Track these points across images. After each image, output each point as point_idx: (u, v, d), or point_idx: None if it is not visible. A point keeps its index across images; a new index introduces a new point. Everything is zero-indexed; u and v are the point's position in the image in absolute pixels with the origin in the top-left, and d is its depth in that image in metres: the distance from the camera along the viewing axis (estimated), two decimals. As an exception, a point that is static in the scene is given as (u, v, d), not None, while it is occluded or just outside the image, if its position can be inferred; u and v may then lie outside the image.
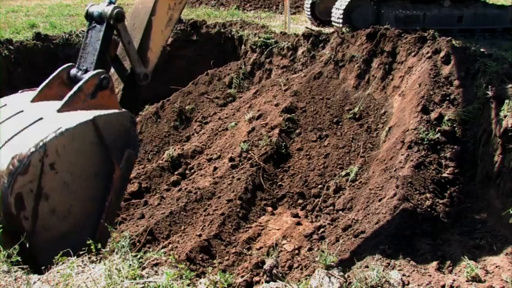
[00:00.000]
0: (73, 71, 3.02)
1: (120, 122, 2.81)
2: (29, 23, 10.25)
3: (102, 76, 2.83)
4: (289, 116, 6.25)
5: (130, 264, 2.60)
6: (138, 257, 2.69)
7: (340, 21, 10.62)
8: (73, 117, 2.61)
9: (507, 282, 2.83)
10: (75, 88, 2.74)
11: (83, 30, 8.88)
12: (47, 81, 3.04)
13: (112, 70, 3.34)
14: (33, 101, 2.97)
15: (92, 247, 2.70)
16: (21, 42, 7.92)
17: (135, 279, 2.48)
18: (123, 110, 2.89)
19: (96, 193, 2.84)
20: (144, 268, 2.67)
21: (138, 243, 4.25)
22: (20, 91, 3.18)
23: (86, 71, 2.93)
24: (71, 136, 2.53)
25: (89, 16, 3.07)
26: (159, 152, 6.60)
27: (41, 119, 2.62)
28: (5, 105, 2.91)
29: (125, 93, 3.26)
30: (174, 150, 6.11)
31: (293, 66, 7.77)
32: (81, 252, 2.60)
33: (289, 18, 10.72)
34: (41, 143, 2.41)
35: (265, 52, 8.09)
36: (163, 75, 8.91)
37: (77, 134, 2.56)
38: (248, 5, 14.89)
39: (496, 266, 3.07)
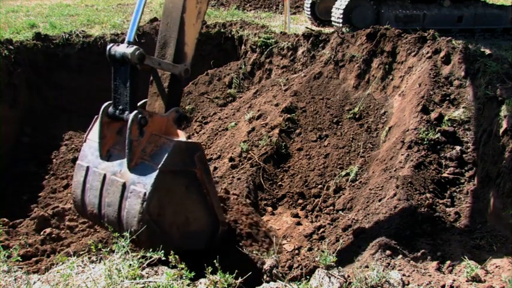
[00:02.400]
0: (111, 110, 3.42)
1: (178, 148, 3.23)
2: (29, 23, 10.26)
3: (139, 117, 3.21)
4: (289, 116, 6.25)
5: (130, 264, 2.60)
6: (139, 257, 2.69)
7: (340, 21, 10.62)
8: (144, 175, 3.15)
9: (507, 282, 2.83)
10: (127, 144, 3.18)
11: (83, 30, 8.89)
12: (98, 130, 3.46)
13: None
14: (102, 157, 3.43)
15: (92, 247, 2.70)
16: (21, 42, 7.92)
17: (135, 279, 2.48)
18: (174, 140, 3.28)
19: (197, 197, 3.45)
20: (144, 268, 2.67)
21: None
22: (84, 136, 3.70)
23: (123, 110, 3.34)
24: (156, 192, 3.10)
25: (111, 57, 3.31)
26: (159, 152, 6.59)
27: (124, 185, 3.19)
28: (87, 167, 3.47)
29: (170, 91, 3.63)
30: (174, 150, 6.09)
31: (293, 66, 7.77)
32: (81, 253, 2.61)
33: (289, 18, 10.72)
34: (142, 218, 3.08)
35: (265, 52, 8.09)
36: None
37: (157, 188, 3.10)
38: (248, 5, 14.90)
39: (496, 266, 3.07)
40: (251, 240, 4.06)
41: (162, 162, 3.12)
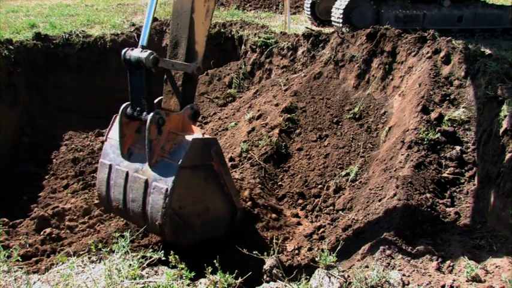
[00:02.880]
0: (129, 111, 3.59)
1: (195, 145, 3.44)
2: (29, 23, 10.26)
3: (157, 117, 3.41)
4: (289, 116, 6.25)
5: (130, 264, 2.60)
6: (139, 257, 2.69)
7: (340, 21, 10.62)
8: (165, 172, 3.37)
9: (507, 282, 2.83)
10: (146, 143, 3.39)
11: (83, 30, 8.89)
12: (118, 130, 3.60)
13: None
14: (123, 155, 3.63)
15: (92, 247, 2.70)
16: (21, 42, 7.92)
17: (135, 279, 2.48)
18: (190, 137, 3.47)
19: (215, 187, 3.71)
20: (144, 268, 2.67)
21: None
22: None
23: (141, 111, 3.52)
24: (177, 187, 3.34)
25: (126, 61, 3.46)
26: (159, 152, 6.59)
27: (147, 182, 3.42)
28: (110, 165, 3.69)
29: (184, 89, 3.79)
30: (174, 150, 6.09)
31: (293, 66, 7.77)
32: (81, 253, 2.61)
33: (289, 18, 10.72)
34: (165, 212, 3.33)
35: (265, 52, 8.09)
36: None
37: (178, 184, 3.33)
38: (248, 5, 14.90)
39: (496, 266, 3.07)
40: (266, 223, 4.39)
41: (181, 160, 3.35)
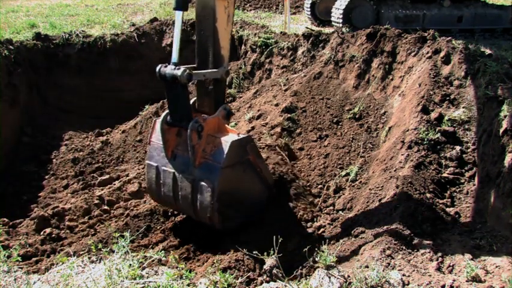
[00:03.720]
0: (169, 119, 4.00)
1: (233, 146, 3.85)
2: (29, 23, 10.26)
3: (197, 126, 3.81)
4: (289, 115, 6.25)
5: (130, 264, 2.60)
6: (138, 257, 2.70)
7: (340, 21, 10.63)
8: (209, 172, 3.85)
9: (507, 282, 2.83)
10: (189, 149, 3.83)
11: (83, 30, 8.89)
12: (159, 135, 4.03)
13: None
14: (168, 158, 4.07)
15: (92, 247, 2.71)
16: (21, 42, 7.92)
17: (135, 279, 2.48)
18: (229, 138, 3.90)
19: (253, 174, 4.23)
20: (144, 268, 2.67)
21: None
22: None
23: (181, 119, 3.93)
24: (221, 184, 3.82)
25: (161, 77, 3.80)
26: (159, 152, 6.60)
27: (194, 181, 3.90)
28: (156, 166, 4.15)
29: (215, 92, 4.14)
30: (174, 150, 6.10)
31: (293, 66, 7.77)
32: (81, 253, 2.61)
33: (289, 18, 10.72)
34: (213, 207, 3.84)
35: (265, 52, 8.09)
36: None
37: (221, 181, 3.82)
38: (248, 5, 14.90)
39: (496, 266, 3.07)
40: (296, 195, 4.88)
41: (222, 161, 3.80)
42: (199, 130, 3.84)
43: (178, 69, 3.67)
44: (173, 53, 3.85)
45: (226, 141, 3.85)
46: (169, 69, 3.72)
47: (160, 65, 3.79)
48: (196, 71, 3.90)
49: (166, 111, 4.02)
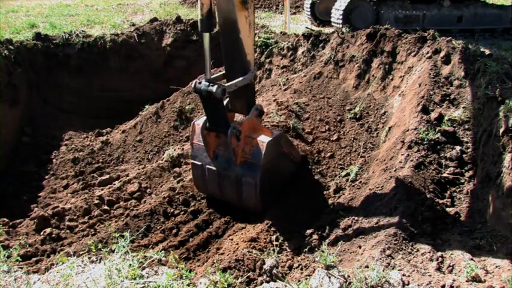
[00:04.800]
0: (207, 125, 4.52)
1: (269, 145, 4.40)
2: (29, 23, 10.27)
3: (235, 131, 4.30)
4: (297, 101, 6.27)
5: (130, 264, 2.60)
6: (138, 257, 2.69)
7: (340, 21, 10.63)
8: (250, 170, 4.43)
9: (507, 282, 2.83)
10: (230, 151, 4.38)
11: (83, 30, 8.89)
12: (200, 136, 4.58)
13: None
14: (211, 158, 4.65)
15: (92, 247, 2.71)
16: (21, 42, 7.92)
17: (135, 279, 2.48)
18: (265, 138, 4.45)
19: (286, 159, 4.93)
20: (144, 268, 2.67)
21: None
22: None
23: (218, 126, 4.43)
24: (262, 179, 4.41)
25: (197, 92, 4.25)
26: (159, 152, 6.60)
27: (237, 177, 4.49)
28: (201, 165, 4.73)
29: (246, 94, 4.58)
30: (174, 150, 6.11)
31: (293, 66, 7.77)
32: (81, 253, 2.61)
33: (289, 18, 10.72)
34: (256, 198, 4.50)
35: (265, 52, 8.09)
36: (163, 75, 8.91)
37: (262, 176, 4.40)
38: (248, 5, 14.87)
39: (496, 266, 3.07)
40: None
41: (261, 160, 4.35)
42: (237, 135, 4.32)
43: (213, 85, 4.08)
44: (206, 71, 4.25)
45: (263, 141, 4.38)
46: (204, 86, 4.14)
47: (195, 81, 4.25)
48: (228, 84, 4.27)
49: (205, 117, 4.52)
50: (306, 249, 4.10)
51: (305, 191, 5.06)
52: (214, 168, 4.62)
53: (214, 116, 4.44)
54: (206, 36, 4.16)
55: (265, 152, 4.36)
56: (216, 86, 4.04)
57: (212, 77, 4.33)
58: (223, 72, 4.66)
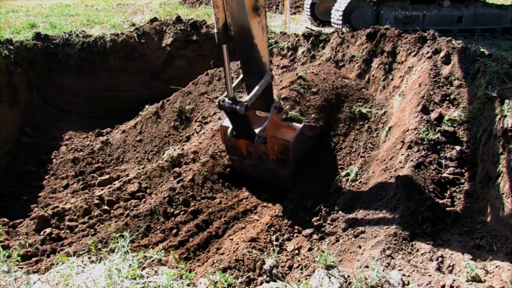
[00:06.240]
0: (235, 134, 4.99)
1: (294, 141, 4.92)
2: (29, 23, 10.27)
3: (261, 140, 4.77)
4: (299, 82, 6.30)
5: (130, 264, 2.60)
6: (138, 257, 2.69)
7: (340, 22, 10.63)
8: (283, 164, 5.08)
9: (507, 282, 2.83)
10: (261, 154, 5.10)
11: (83, 30, 8.89)
12: (230, 136, 5.01)
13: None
14: (243, 155, 5.31)
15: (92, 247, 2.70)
16: (21, 42, 7.92)
17: (135, 279, 2.48)
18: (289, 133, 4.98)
19: (310, 141, 5.57)
20: (144, 268, 2.67)
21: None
22: None
23: (248, 136, 4.92)
24: (294, 167, 5.16)
25: (221, 107, 4.60)
26: (159, 152, 6.60)
27: (273, 169, 5.18)
28: (238, 159, 5.42)
29: (265, 93, 4.79)
30: (174, 150, 6.11)
31: (293, 66, 7.77)
32: (81, 253, 2.61)
33: (289, 18, 10.72)
34: (288, 179, 5.24)
35: (265, 52, 8.08)
36: (163, 75, 8.92)
37: (293, 166, 5.15)
38: (248, 5, 14.87)
39: (496, 266, 3.07)
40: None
41: (290, 155, 4.93)
42: (263, 142, 4.79)
43: (236, 103, 4.42)
44: (228, 89, 4.54)
45: (288, 140, 4.88)
46: (227, 104, 4.48)
47: (219, 99, 4.59)
48: (249, 97, 4.56)
49: (231, 127, 4.95)
50: (306, 249, 4.10)
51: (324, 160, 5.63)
52: (250, 162, 5.25)
53: (240, 128, 4.85)
54: (224, 48, 4.37)
55: (292, 148, 4.89)
56: (239, 105, 4.39)
57: (233, 85, 4.63)
58: (241, 76, 4.92)
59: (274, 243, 4.26)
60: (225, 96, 4.62)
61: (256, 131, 4.85)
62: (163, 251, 3.57)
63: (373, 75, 6.61)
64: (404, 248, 3.41)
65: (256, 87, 4.59)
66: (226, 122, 5.02)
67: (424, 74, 5.69)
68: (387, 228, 3.70)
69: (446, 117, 4.98)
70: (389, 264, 3.17)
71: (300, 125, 5.11)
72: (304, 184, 5.24)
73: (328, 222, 4.63)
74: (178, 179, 5.42)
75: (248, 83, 4.83)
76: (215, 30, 4.27)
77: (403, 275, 2.94)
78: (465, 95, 5.22)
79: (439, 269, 3.15)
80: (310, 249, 4.26)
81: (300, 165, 5.29)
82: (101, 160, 6.54)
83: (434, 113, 5.06)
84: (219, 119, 7.14)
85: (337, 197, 4.92)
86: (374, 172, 5.01)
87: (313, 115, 5.82)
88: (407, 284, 2.82)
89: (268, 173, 5.26)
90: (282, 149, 4.94)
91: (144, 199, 5.32)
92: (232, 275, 2.98)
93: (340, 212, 4.60)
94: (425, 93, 5.30)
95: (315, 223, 4.64)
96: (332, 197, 5.00)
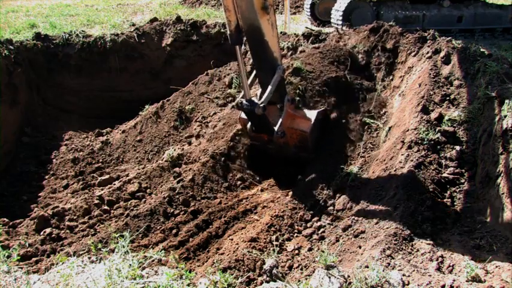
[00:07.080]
0: (254, 129, 5.31)
1: (311, 131, 5.39)
2: (29, 23, 10.26)
3: (279, 134, 5.11)
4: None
5: (130, 264, 2.60)
6: (138, 257, 2.69)
7: (340, 22, 10.63)
8: (303, 149, 5.57)
9: (507, 282, 2.83)
10: (282, 145, 5.57)
11: (83, 30, 8.89)
12: (249, 126, 5.36)
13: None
14: (265, 141, 5.68)
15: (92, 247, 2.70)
16: (21, 42, 7.91)
17: (135, 279, 2.48)
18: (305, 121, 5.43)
19: (323, 119, 5.80)
20: (144, 268, 2.67)
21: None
22: None
23: (266, 132, 5.24)
24: (314, 152, 5.66)
25: (239, 107, 4.84)
26: (159, 152, 6.60)
27: (295, 153, 5.70)
28: (260, 146, 5.88)
29: (279, 87, 4.94)
30: (174, 150, 6.11)
31: (293, 66, 7.76)
32: (81, 253, 2.60)
33: (289, 18, 10.73)
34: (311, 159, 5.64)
35: (265, 52, 8.08)
36: (163, 75, 8.92)
37: (313, 150, 5.62)
38: (248, 5, 14.86)
39: (496, 266, 3.07)
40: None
41: (309, 143, 5.45)
42: (282, 136, 5.16)
43: (253, 104, 4.61)
44: (244, 91, 4.70)
45: (305, 131, 5.33)
46: (245, 106, 4.70)
47: (236, 101, 4.85)
48: (265, 97, 4.72)
49: (251, 125, 5.25)
50: (306, 249, 4.10)
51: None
52: (273, 147, 5.66)
53: (258, 125, 5.14)
54: (238, 49, 4.49)
55: (310, 137, 5.35)
56: (256, 107, 4.60)
57: (248, 82, 4.85)
58: (254, 72, 5.06)
59: (274, 243, 4.26)
60: (242, 97, 4.79)
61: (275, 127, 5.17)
62: (163, 251, 3.57)
63: (372, 70, 6.61)
64: (404, 248, 3.41)
65: (270, 87, 4.76)
66: (245, 115, 5.24)
67: (424, 74, 5.69)
68: (387, 228, 3.70)
69: (446, 117, 4.98)
70: (389, 264, 3.17)
71: (314, 114, 5.43)
72: (320, 164, 5.50)
73: (328, 222, 4.64)
74: (178, 179, 5.42)
75: (261, 78, 5.01)
76: (228, 32, 4.40)
77: (403, 275, 2.94)
78: (465, 95, 5.22)
79: (439, 269, 3.15)
80: (310, 249, 4.26)
81: (316, 144, 5.65)
82: (101, 160, 6.54)
83: (434, 113, 5.06)
84: (219, 119, 7.14)
85: (337, 198, 4.90)
86: (374, 172, 5.01)
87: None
88: (407, 284, 2.82)
89: (290, 154, 5.68)
90: (300, 138, 5.39)
91: (144, 199, 5.32)
92: (232, 275, 2.98)
93: (340, 212, 4.61)
94: (425, 93, 5.30)
95: (315, 223, 4.64)
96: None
